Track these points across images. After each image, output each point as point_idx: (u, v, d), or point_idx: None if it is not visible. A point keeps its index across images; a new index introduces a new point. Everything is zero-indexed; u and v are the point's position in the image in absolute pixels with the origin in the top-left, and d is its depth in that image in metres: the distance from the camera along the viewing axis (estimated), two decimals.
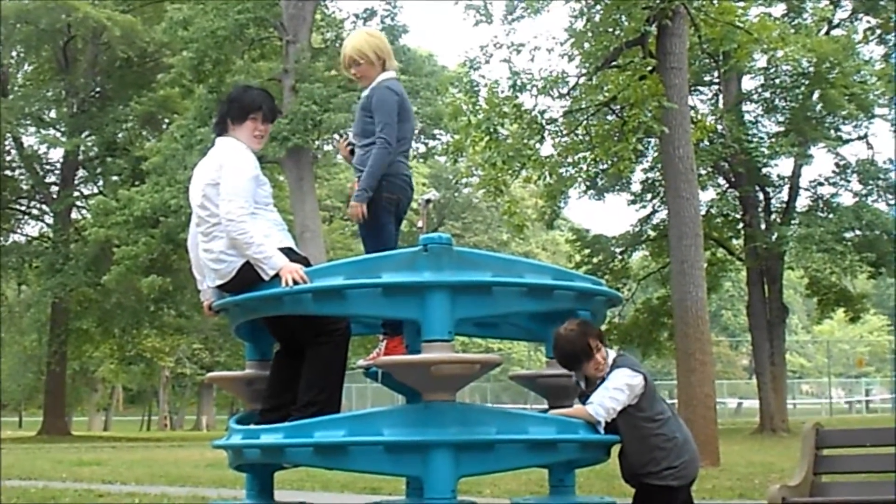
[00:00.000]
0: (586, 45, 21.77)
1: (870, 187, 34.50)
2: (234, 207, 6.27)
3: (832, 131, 34.78)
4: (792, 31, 28.68)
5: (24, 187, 46.08)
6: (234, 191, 6.33)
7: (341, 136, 7.21)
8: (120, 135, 42.76)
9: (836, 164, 35.03)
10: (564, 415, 6.46)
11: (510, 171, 21.66)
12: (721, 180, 35.97)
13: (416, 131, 50.36)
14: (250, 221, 6.28)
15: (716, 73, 33.55)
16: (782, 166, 35.52)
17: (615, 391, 6.39)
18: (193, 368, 62.83)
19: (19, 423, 70.77)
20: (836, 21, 35.46)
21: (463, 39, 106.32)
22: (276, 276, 6.17)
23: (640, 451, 6.48)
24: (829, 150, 34.84)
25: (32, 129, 44.73)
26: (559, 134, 22.95)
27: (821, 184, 35.32)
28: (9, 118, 41.25)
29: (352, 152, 7.36)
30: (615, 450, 6.62)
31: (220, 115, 6.82)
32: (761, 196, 35.10)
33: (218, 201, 6.38)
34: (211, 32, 31.78)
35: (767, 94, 35.32)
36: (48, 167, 46.37)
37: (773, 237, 33.20)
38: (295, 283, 6.06)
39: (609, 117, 22.77)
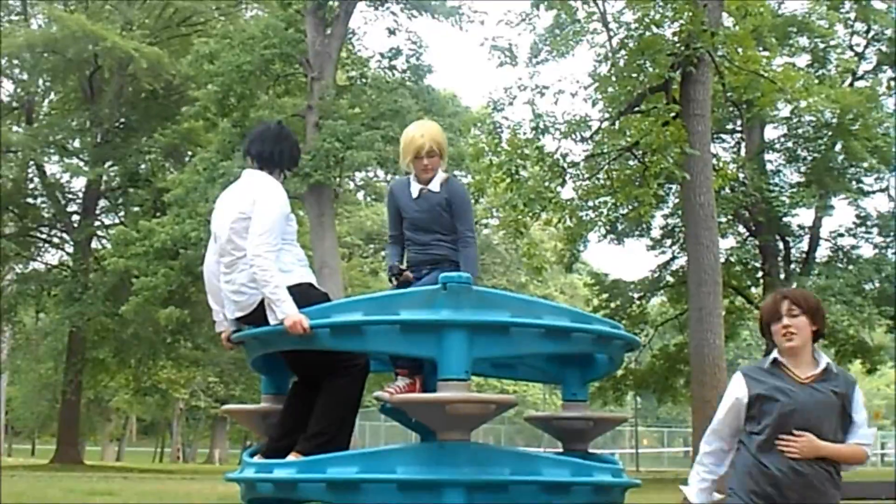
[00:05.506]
0: (610, 89, 21.74)
1: (890, 240, 34.43)
2: (263, 242, 6.29)
3: (854, 183, 34.75)
4: (816, 81, 28.69)
5: (46, 215, 46.12)
6: (265, 227, 6.34)
7: (403, 270, 7.40)
8: (143, 166, 42.77)
9: (857, 216, 35.01)
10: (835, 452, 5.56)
11: (530, 214, 21.63)
12: (741, 228, 35.92)
13: None
14: (273, 260, 6.29)
15: (738, 122, 33.54)
16: (803, 216, 35.49)
17: None
18: (208, 401, 62.76)
19: (32, 451, 70.74)
20: (859, 73, 35.52)
21: (487, 81, 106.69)
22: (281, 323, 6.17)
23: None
24: (850, 201, 34.83)
25: (56, 158, 44.74)
26: (580, 177, 22.94)
27: (841, 235, 35.29)
28: (33, 146, 41.41)
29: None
30: None
31: (276, 153, 6.81)
32: (781, 245, 35.05)
33: (247, 235, 6.39)
34: (236, 67, 31.89)
35: (790, 144, 35.34)
36: (70, 196, 46.43)
37: (793, 287, 33.05)
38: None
39: (631, 162, 22.75)
